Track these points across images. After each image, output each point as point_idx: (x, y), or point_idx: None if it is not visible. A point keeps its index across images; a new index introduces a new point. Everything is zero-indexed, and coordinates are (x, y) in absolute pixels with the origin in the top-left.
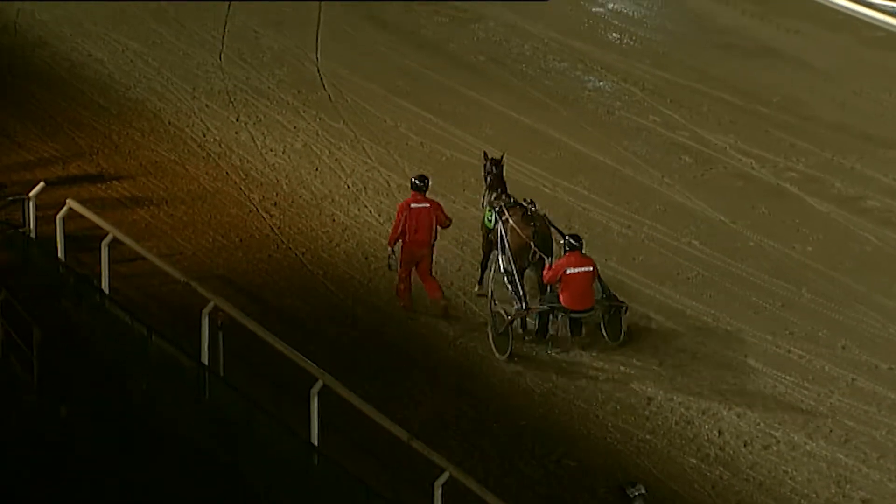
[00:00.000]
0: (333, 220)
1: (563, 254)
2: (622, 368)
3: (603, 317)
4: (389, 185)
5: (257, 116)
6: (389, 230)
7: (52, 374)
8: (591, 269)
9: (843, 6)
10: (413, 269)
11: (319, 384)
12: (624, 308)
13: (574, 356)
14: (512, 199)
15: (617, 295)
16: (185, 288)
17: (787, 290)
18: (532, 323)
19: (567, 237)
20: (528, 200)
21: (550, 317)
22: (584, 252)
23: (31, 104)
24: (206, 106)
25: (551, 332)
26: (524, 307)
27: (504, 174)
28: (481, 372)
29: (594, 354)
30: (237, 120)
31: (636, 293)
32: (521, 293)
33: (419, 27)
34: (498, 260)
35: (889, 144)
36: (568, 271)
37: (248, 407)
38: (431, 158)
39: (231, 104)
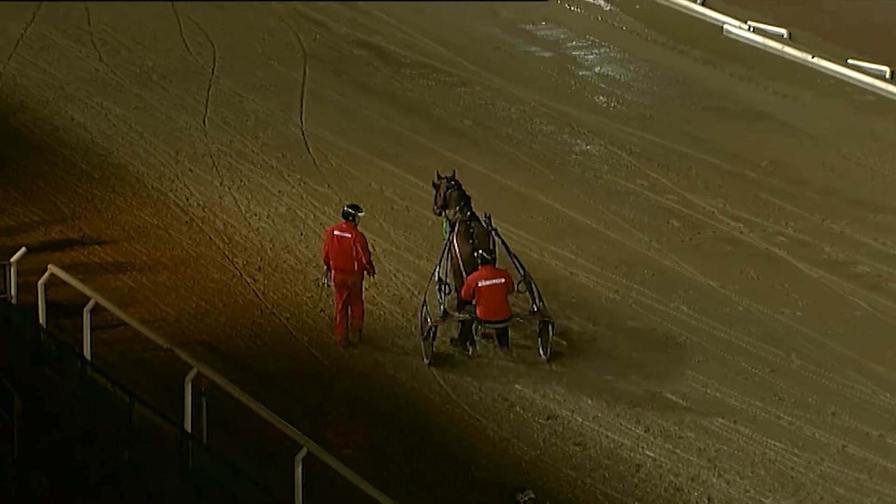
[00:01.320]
0: (318, 285)
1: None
2: (609, 434)
3: (538, 331)
4: (375, 250)
5: (241, 181)
6: (376, 296)
7: (33, 443)
8: (503, 281)
9: (833, 70)
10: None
11: (304, 451)
12: (551, 323)
13: (561, 423)
14: (469, 214)
15: (547, 309)
16: (168, 354)
17: (776, 355)
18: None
19: (479, 252)
20: (487, 216)
21: (472, 328)
22: (496, 265)
23: (13, 169)
24: (190, 170)
25: (473, 342)
26: (443, 316)
27: (463, 190)
28: (470, 438)
29: (580, 420)
30: (221, 184)
31: (625, 359)
32: (446, 302)
33: (405, 91)
34: (437, 267)
35: (879, 209)
36: (480, 284)
37: (232, 475)
38: (417, 223)
39: (215, 168)
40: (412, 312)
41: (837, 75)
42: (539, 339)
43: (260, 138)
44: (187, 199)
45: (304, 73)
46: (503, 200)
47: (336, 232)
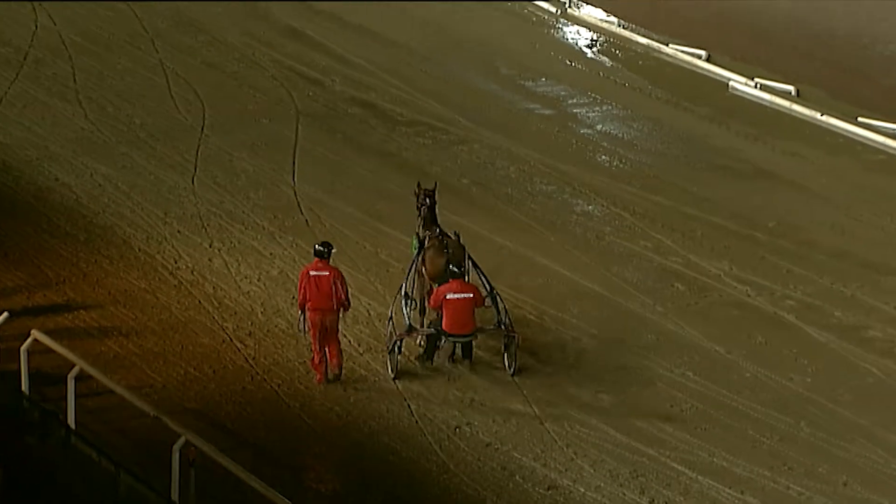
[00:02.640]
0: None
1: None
2: None
3: (504, 346)
4: (369, 314)
5: (231, 242)
6: (371, 362)
7: None
8: (472, 296)
9: (842, 128)
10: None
11: None
12: (516, 338)
13: (562, 493)
14: (438, 231)
15: (512, 325)
16: (155, 422)
17: (785, 423)
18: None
19: (450, 266)
20: (455, 233)
21: (437, 341)
22: (466, 280)
23: None
24: (178, 232)
25: (437, 356)
26: (409, 329)
27: (436, 208)
28: None
29: (582, 490)
30: (210, 246)
31: (628, 427)
32: (411, 316)
33: (400, 149)
34: (404, 282)
35: (891, 272)
36: (448, 296)
37: None
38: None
39: (204, 230)
40: (409, 380)
41: (847, 134)
42: (504, 354)
43: (251, 198)
44: (176, 262)
45: (297, 130)
46: (502, 262)
47: (312, 272)
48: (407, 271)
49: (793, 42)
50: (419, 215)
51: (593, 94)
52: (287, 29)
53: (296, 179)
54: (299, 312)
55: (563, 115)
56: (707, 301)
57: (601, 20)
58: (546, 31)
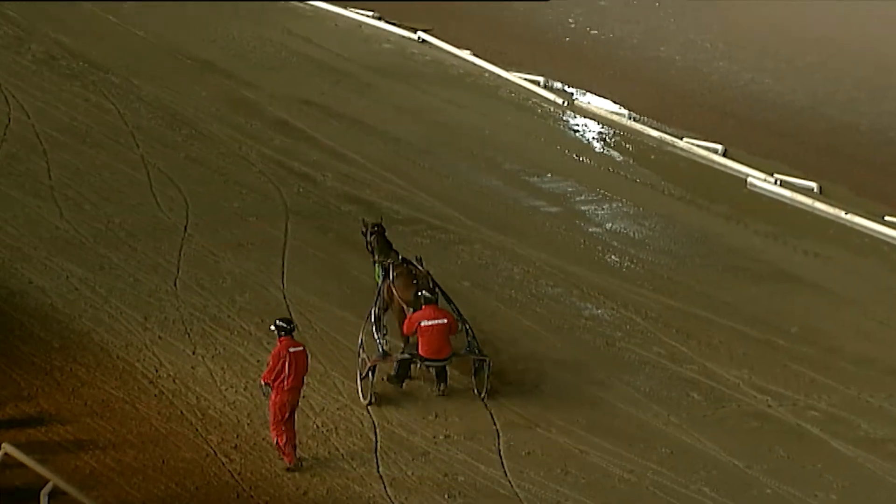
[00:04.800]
0: (301, 464)
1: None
2: None
3: (473, 370)
4: (363, 425)
5: (216, 349)
6: (365, 476)
7: None
8: (446, 321)
9: (867, 227)
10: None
11: None
12: (487, 361)
13: None
14: (401, 258)
15: (482, 349)
16: None
17: None
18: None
19: (422, 292)
20: (417, 258)
21: (411, 365)
22: (439, 306)
23: None
24: (159, 338)
25: (406, 378)
26: (383, 355)
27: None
28: None
29: None
30: (194, 353)
31: None
32: (385, 343)
33: (397, 249)
34: (372, 310)
35: None
36: (423, 323)
37: None
38: (409, 395)
39: (187, 335)
40: (405, 495)
41: (873, 233)
42: (474, 378)
43: (237, 302)
44: (156, 370)
45: (286, 229)
46: (505, 368)
47: (292, 349)
48: (374, 298)
49: (815, 136)
50: (369, 247)
51: (602, 191)
52: (275, 121)
53: (285, 282)
54: (262, 382)
55: (571, 212)
56: (725, 412)
57: (610, 112)
58: (552, 123)
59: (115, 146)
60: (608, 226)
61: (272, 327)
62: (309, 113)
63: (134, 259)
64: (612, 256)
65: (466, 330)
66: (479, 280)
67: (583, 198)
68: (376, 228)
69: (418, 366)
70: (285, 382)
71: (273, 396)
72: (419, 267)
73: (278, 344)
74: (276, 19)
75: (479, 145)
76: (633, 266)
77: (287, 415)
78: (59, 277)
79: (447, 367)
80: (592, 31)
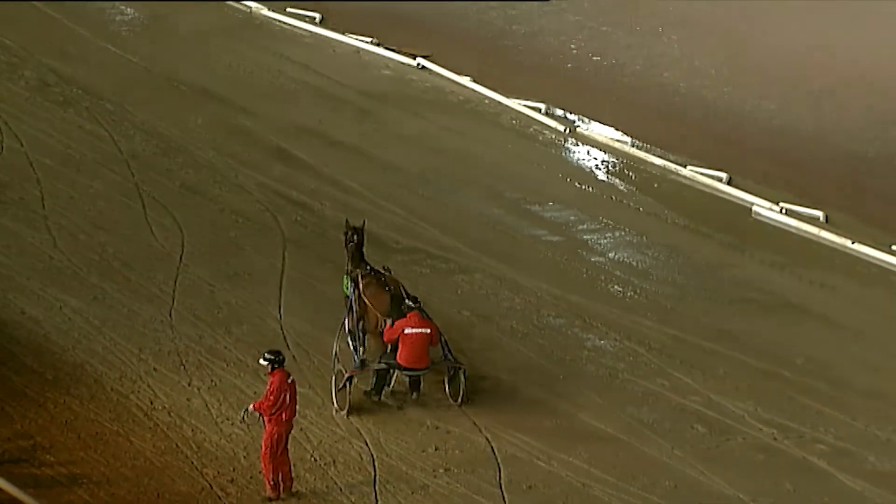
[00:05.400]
0: (298, 499)
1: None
2: None
3: (446, 377)
4: (361, 459)
5: (212, 380)
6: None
7: None
8: (429, 331)
9: (875, 257)
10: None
11: None
12: (462, 369)
13: None
14: (369, 268)
15: (456, 357)
16: None
17: None
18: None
19: (407, 300)
20: (385, 268)
21: (388, 375)
22: (424, 314)
23: None
24: (154, 369)
25: (386, 389)
26: (360, 365)
27: (363, 244)
28: None
29: None
30: (189, 385)
31: None
32: (361, 352)
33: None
34: (345, 321)
35: None
36: (406, 331)
37: None
38: (410, 428)
39: (182, 367)
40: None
41: (880, 263)
42: (448, 386)
43: (233, 333)
44: (151, 403)
45: (283, 259)
46: (506, 400)
47: (289, 380)
48: (346, 309)
49: (821, 164)
50: (347, 254)
51: (605, 220)
52: (272, 149)
53: (282, 312)
54: (250, 408)
55: (573, 241)
56: (730, 444)
57: (613, 139)
58: (553, 151)
59: (109, 174)
60: (611, 255)
61: (262, 361)
62: (306, 140)
63: (128, 289)
64: (615, 286)
65: (440, 339)
66: (479, 310)
67: (585, 227)
68: (355, 237)
69: (395, 374)
70: (285, 414)
71: (271, 429)
72: (389, 275)
73: (274, 376)
74: (273, 45)
75: (479, 173)
76: (636, 296)
77: (283, 447)
78: (52, 308)
79: (421, 378)
80: (595, 58)
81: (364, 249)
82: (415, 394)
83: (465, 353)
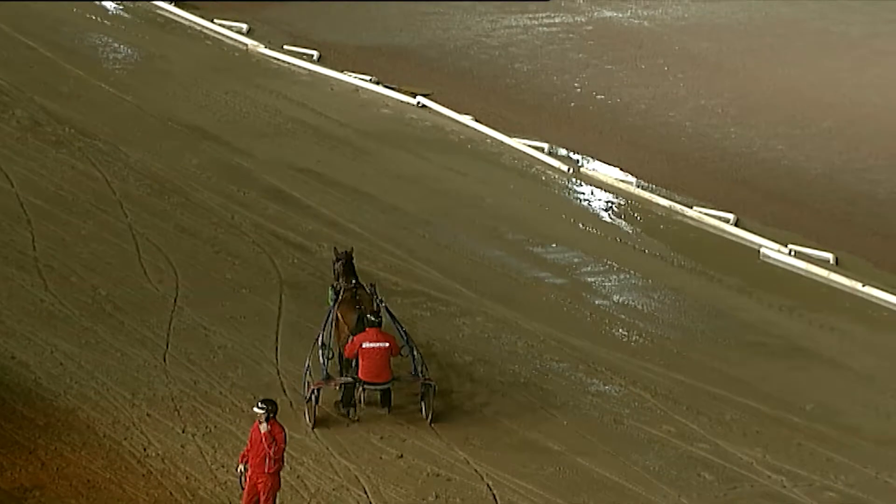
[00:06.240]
0: None
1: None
2: None
3: (420, 394)
4: None
5: (207, 427)
6: None
7: None
8: (388, 345)
9: (886, 301)
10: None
11: None
12: (433, 386)
13: None
14: (354, 283)
15: (427, 374)
16: None
17: None
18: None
19: (368, 315)
20: (371, 285)
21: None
22: (382, 329)
23: None
24: (148, 415)
25: (354, 405)
26: (326, 378)
27: (353, 264)
28: None
29: None
30: (183, 431)
31: None
32: (329, 366)
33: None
34: (320, 334)
35: None
36: (364, 345)
37: None
38: (410, 475)
39: (176, 413)
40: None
41: (891, 306)
42: (422, 402)
43: (229, 378)
44: (144, 449)
45: (280, 302)
46: (508, 448)
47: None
48: (323, 322)
49: (830, 205)
50: (334, 273)
51: (609, 262)
52: (269, 189)
53: (279, 356)
54: (241, 466)
55: (577, 284)
56: (738, 493)
57: (618, 180)
58: (556, 191)
59: (102, 215)
60: (616, 298)
61: (258, 409)
62: (304, 181)
63: (121, 333)
64: (620, 330)
65: (413, 354)
66: (481, 354)
67: (589, 269)
68: (344, 255)
69: (360, 390)
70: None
71: (276, 481)
72: (366, 291)
73: (276, 426)
74: (269, 84)
75: (480, 214)
76: (641, 340)
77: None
78: (43, 352)
79: (391, 391)
80: (599, 96)
81: (355, 268)
82: (386, 408)
83: (466, 397)
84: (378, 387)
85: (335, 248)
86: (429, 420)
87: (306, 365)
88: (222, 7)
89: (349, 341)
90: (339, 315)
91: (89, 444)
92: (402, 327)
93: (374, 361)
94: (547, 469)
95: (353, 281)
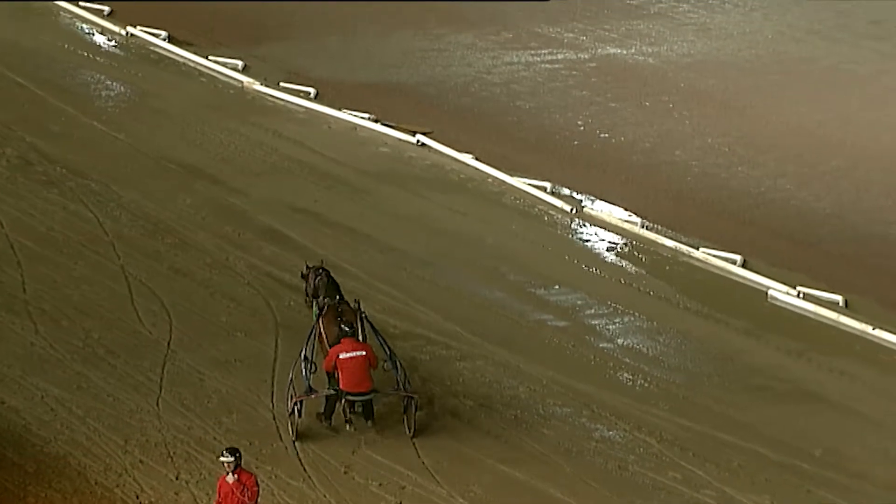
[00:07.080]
0: None
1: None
2: None
3: (402, 408)
4: None
5: (201, 473)
6: None
7: None
8: (364, 354)
9: None
10: None
11: None
12: (415, 400)
13: None
14: (338, 298)
15: (410, 388)
16: None
17: None
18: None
19: (342, 325)
20: (356, 301)
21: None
22: (358, 339)
23: None
24: (141, 462)
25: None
26: (308, 390)
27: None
28: None
29: None
30: (177, 478)
31: None
32: (311, 379)
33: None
34: (304, 347)
35: None
36: (341, 356)
37: None
38: None
39: (170, 459)
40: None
41: None
42: (404, 416)
43: (223, 423)
44: (137, 497)
45: (276, 345)
46: (511, 495)
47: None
48: (307, 336)
49: (840, 247)
50: (312, 288)
51: (614, 304)
52: (265, 230)
53: (275, 401)
54: None
55: (580, 326)
56: None
57: (622, 220)
58: (559, 231)
59: (94, 257)
60: (620, 341)
61: (224, 458)
62: (300, 221)
63: (113, 377)
64: (625, 374)
65: (396, 367)
66: (482, 399)
67: (593, 311)
68: (321, 271)
69: (342, 402)
70: None
71: None
72: (349, 305)
73: (244, 473)
74: (265, 121)
75: (481, 255)
76: (646, 385)
77: None
78: (33, 397)
79: (373, 403)
80: (602, 134)
81: (339, 285)
82: (369, 421)
83: (466, 443)
84: (360, 397)
85: (306, 264)
86: (411, 434)
87: (290, 378)
88: (217, 43)
89: (326, 354)
90: (321, 329)
91: (80, 491)
92: (385, 341)
93: (353, 371)
94: None
95: (338, 297)
